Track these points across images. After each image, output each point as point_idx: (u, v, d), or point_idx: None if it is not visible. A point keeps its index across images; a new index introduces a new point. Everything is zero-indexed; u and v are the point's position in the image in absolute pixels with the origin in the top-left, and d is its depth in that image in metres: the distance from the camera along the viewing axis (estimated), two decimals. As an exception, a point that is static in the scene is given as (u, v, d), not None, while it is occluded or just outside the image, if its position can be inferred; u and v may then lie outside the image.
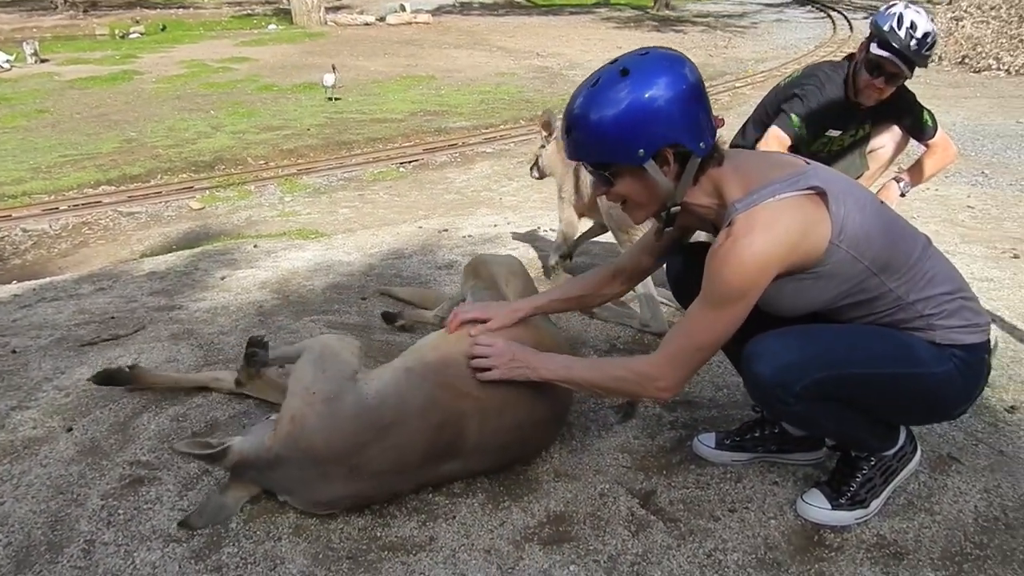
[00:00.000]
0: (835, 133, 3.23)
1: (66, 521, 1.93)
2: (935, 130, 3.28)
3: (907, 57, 2.92)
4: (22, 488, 2.06)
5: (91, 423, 2.37)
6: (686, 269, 1.98)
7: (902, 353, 1.69)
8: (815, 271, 1.63)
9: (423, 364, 1.96)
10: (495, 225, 4.98)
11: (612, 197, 1.75)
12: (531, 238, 4.45)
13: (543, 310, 2.15)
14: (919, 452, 1.95)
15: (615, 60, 1.64)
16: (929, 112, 3.27)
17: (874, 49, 2.96)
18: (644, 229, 2.98)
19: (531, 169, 3.76)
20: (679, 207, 1.71)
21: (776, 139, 3.06)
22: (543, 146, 3.63)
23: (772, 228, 1.58)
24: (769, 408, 1.86)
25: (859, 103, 3.11)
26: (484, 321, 2.05)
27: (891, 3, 3.01)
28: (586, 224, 3.64)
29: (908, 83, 3.18)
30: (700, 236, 2.22)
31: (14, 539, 1.87)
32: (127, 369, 2.55)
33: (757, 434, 2.11)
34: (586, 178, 3.33)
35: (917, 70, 3.01)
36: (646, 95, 1.57)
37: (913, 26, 2.89)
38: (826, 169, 1.70)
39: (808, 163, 1.69)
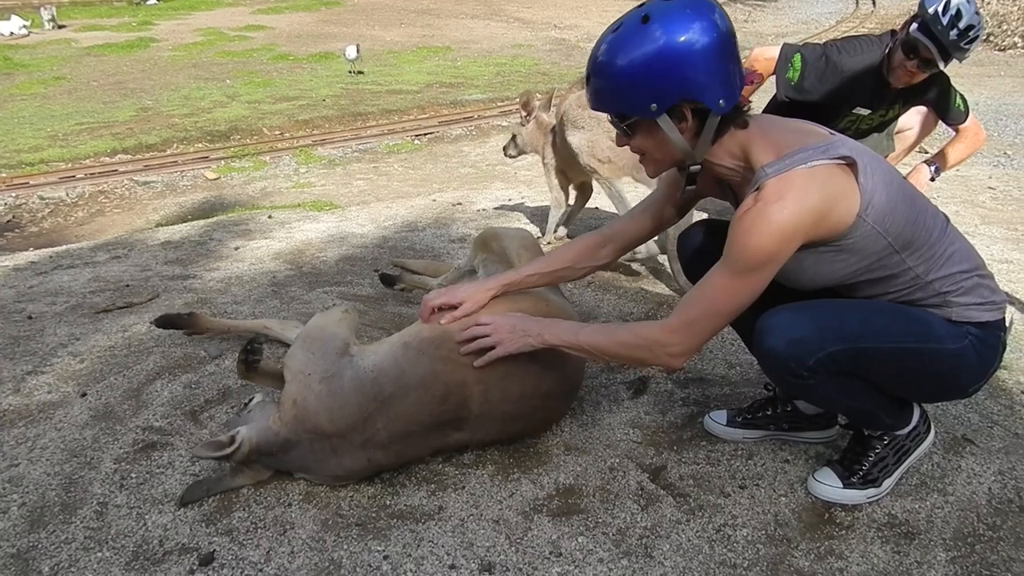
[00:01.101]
0: (863, 111, 3.16)
1: (80, 483, 1.95)
2: (966, 115, 3.20)
3: (943, 46, 2.82)
4: (37, 451, 2.08)
5: (105, 389, 2.38)
6: (703, 247, 1.95)
7: (917, 328, 1.66)
8: (838, 244, 1.59)
9: (420, 339, 1.93)
10: (509, 199, 4.96)
11: (633, 149, 1.69)
12: (545, 213, 4.41)
13: (518, 286, 2.02)
14: (932, 432, 1.93)
15: (641, 4, 1.55)
16: (962, 96, 3.19)
17: (913, 30, 2.88)
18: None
19: (505, 148, 3.90)
20: (699, 166, 1.65)
21: (761, 58, 3.03)
22: (521, 124, 3.80)
23: (804, 196, 1.52)
24: (782, 382, 1.82)
25: (889, 83, 3.04)
26: (455, 307, 1.96)
27: None
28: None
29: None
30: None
31: (28, 500, 1.89)
32: (185, 315, 2.66)
33: (769, 412, 2.10)
34: (561, 138, 3.42)
35: None
36: (662, 46, 1.49)
37: (958, 15, 2.78)
38: (852, 140, 1.65)
39: (833, 134, 1.65)
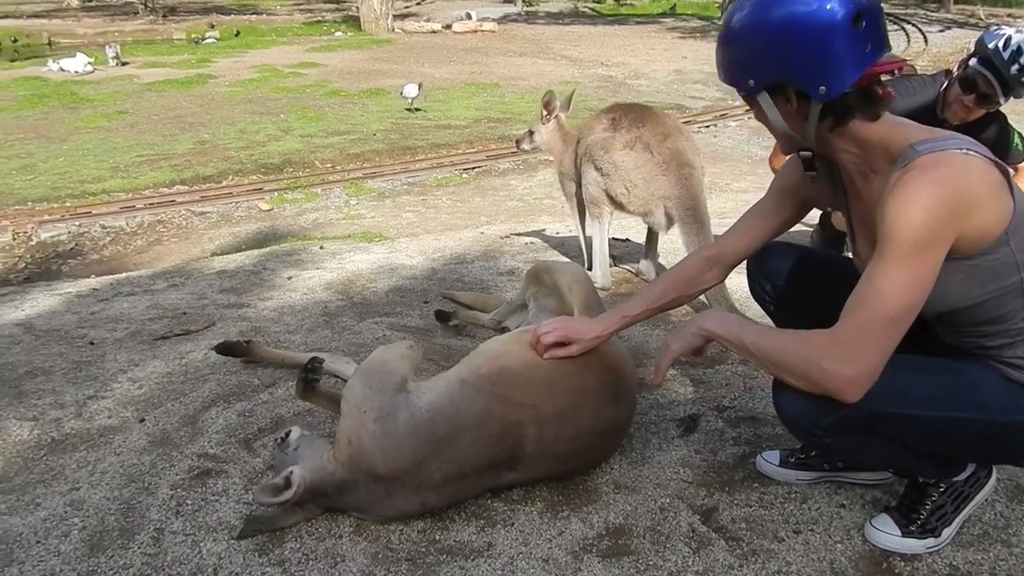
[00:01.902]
0: None
1: (137, 509, 1.99)
2: (1023, 156, 3.15)
3: (1005, 80, 2.80)
4: (97, 475, 2.14)
5: (163, 415, 2.44)
6: (790, 274, 1.88)
7: (963, 394, 1.57)
8: (973, 260, 1.47)
9: (477, 375, 1.92)
10: (557, 233, 4.98)
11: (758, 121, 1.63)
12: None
13: (637, 319, 1.99)
14: (994, 476, 1.85)
15: None
16: (1020, 135, 3.15)
17: (973, 64, 2.87)
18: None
19: (519, 141, 4.03)
20: (809, 152, 1.60)
21: None
22: (542, 122, 3.87)
23: (965, 171, 1.41)
24: (799, 438, 1.78)
25: (945, 119, 3.01)
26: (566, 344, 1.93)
27: (1001, 27, 2.91)
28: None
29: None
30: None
31: (88, 523, 1.94)
32: (244, 343, 2.76)
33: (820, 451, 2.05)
34: (584, 153, 3.49)
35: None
36: (763, 21, 1.46)
37: (1019, 51, 2.77)
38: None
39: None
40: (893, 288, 1.43)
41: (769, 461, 2.09)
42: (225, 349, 2.75)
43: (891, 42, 1.59)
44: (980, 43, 2.89)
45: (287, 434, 2.00)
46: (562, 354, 1.93)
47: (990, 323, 1.56)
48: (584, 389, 1.98)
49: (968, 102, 2.91)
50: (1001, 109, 3.10)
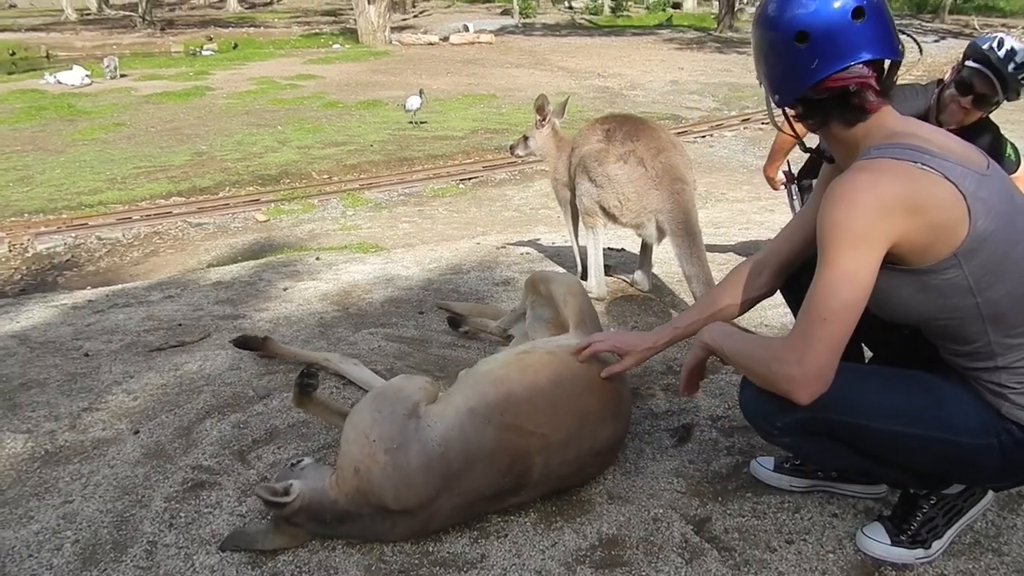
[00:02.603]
0: None
1: (131, 521, 1.99)
2: (1018, 164, 3.16)
3: (1002, 76, 2.81)
4: (90, 487, 2.14)
5: (157, 427, 2.44)
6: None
7: (925, 411, 1.59)
8: (918, 274, 1.49)
9: (486, 404, 1.89)
10: (553, 243, 4.99)
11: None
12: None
13: (687, 334, 1.97)
14: (989, 493, 1.86)
15: None
16: (1013, 146, 3.16)
17: (968, 64, 2.88)
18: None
19: (513, 146, 4.03)
20: (812, 149, 1.73)
21: None
22: (536, 127, 3.87)
23: (903, 177, 1.44)
24: (761, 436, 1.82)
25: (940, 124, 3.01)
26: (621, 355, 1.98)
27: (991, 34, 2.94)
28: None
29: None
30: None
31: (81, 536, 1.94)
32: (261, 339, 2.89)
33: None
34: (572, 172, 3.51)
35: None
36: (761, 18, 1.59)
37: (1013, 51, 2.80)
38: (1011, 190, 1.55)
39: (990, 166, 1.53)
40: (825, 288, 1.47)
41: (764, 466, 2.10)
42: (243, 343, 2.89)
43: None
44: (972, 47, 2.92)
45: (298, 461, 1.95)
46: (618, 369, 1.96)
47: (960, 343, 1.57)
48: (587, 411, 1.98)
49: (965, 103, 2.92)
50: (993, 119, 3.11)
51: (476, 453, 1.84)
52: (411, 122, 12.79)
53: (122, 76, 17.38)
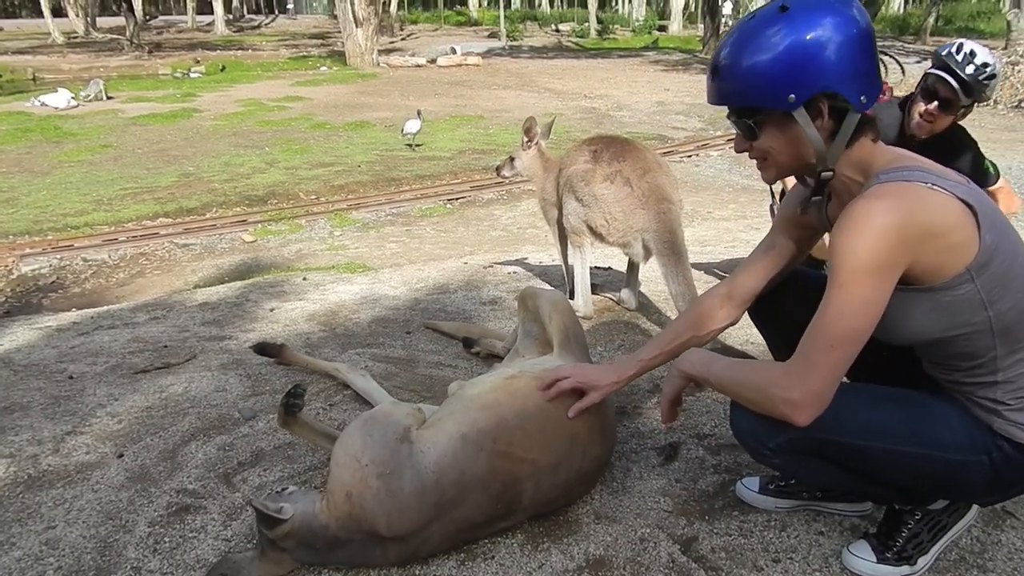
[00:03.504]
0: None
1: (114, 547, 1.97)
2: (997, 176, 3.21)
3: (964, 81, 2.86)
4: (74, 512, 2.11)
5: (141, 450, 2.42)
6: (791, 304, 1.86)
7: (913, 428, 1.59)
8: (935, 293, 1.48)
9: (478, 431, 1.87)
10: (540, 262, 5.01)
11: (755, 153, 1.61)
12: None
13: (653, 363, 1.98)
14: (974, 508, 1.87)
15: None
16: (991, 162, 3.21)
17: (929, 71, 2.94)
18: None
19: (499, 168, 4.07)
20: (832, 172, 1.57)
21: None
22: (523, 148, 3.91)
23: (916, 203, 1.43)
24: (752, 457, 1.80)
25: (912, 136, 3.05)
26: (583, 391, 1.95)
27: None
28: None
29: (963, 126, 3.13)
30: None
31: (64, 563, 1.91)
32: (277, 346, 3.03)
33: None
34: (564, 183, 3.50)
35: (973, 115, 2.96)
36: (806, 35, 1.45)
37: (972, 54, 2.87)
38: (991, 202, 1.56)
39: (970, 182, 1.55)
40: (835, 313, 1.47)
41: (749, 488, 2.10)
42: (261, 349, 3.02)
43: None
44: (935, 55, 2.99)
45: (283, 488, 1.88)
46: (584, 405, 1.92)
47: (965, 359, 1.57)
48: (574, 433, 1.98)
49: (932, 110, 2.97)
50: (975, 136, 3.16)
51: (469, 481, 1.83)
52: (409, 145, 12.64)
53: (108, 98, 17.35)
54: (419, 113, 12.56)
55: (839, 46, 1.45)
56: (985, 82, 2.89)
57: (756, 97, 1.53)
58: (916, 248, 1.44)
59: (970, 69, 2.87)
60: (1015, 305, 1.51)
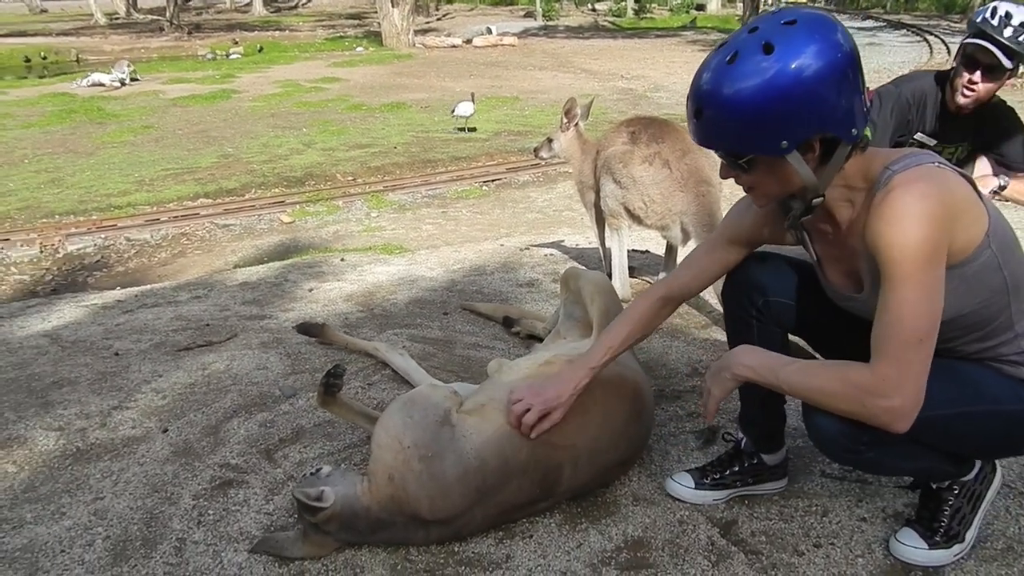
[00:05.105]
0: (928, 140, 3.04)
1: (160, 519, 2.02)
2: None
3: (1003, 44, 2.75)
4: (121, 485, 2.17)
5: (185, 425, 2.47)
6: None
7: (970, 391, 1.59)
8: (960, 268, 1.47)
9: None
10: (576, 244, 4.98)
11: (741, 183, 1.59)
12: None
13: (604, 367, 1.93)
14: (999, 471, 1.85)
15: (753, 27, 1.43)
16: None
17: (967, 41, 2.84)
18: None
19: (537, 149, 4.03)
20: (822, 197, 1.54)
21: None
22: (561, 129, 3.88)
23: (942, 183, 1.43)
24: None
25: (958, 108, 2.93)
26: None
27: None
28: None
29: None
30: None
31: (112, 533, 1.97)
32: (319, 325, 3.08)
33: (737, 468, 2.04)
34: (602, 165, 3.46)
35: (1021, 97, 2.85)
36: (794, 79, 1.37)
37: (1008, 15, 2.75)
38: None
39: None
40: (912, 309, 1.43)
41: (683, 484, 2.05)
42: (304, 329, 3.09)
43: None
44: (970, 23, 2.88)
45: (318, 470, 1.89)
46: (547, 426, 1.85)
47: (986, 325, 1.58)
48: (612, 417, 1.99)
49: (975, 79, 2.85)
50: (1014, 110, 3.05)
51: (512, 468, 1.84)
52: (460, 128, 12.45)
53: (134, 80, 17.51)
54: (472, 96, 12.43)
55: (828, 85, 1.39)
56: None
57: (745, 145, 1.48)
58: (952, 226, 1.44)
59: (1008, 32, 2.75)
60: (1015, 256, 1.54)
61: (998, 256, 1.50)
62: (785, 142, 1.43)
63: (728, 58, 1.42)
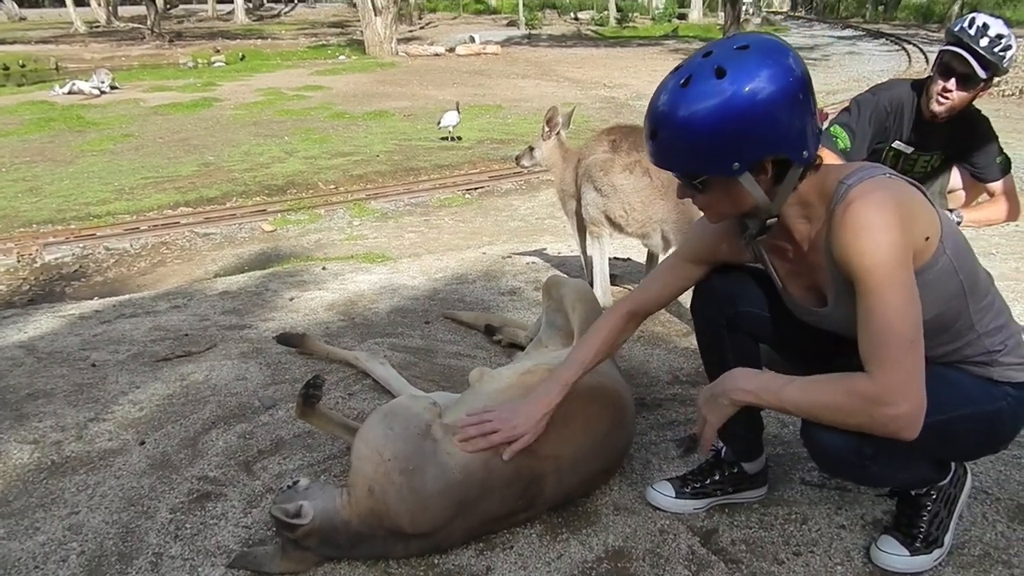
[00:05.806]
0: (904, 148, 3.05)
1: (136, 533, 1.99)
2: (1002, 175, 3.05)
3: (979, 54, 2.78)
4: (96, 498, 2.14)
5: (163, 437, 2.44)
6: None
7: (954, 393, 1.61)
8: (921, 275, 1.48)
9: None
10: (558, 252, 4.99)
11: (697, 203, 1.61)
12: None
13: (576, 383, 1.91)
14: (969, 473, 1.88)
15: (707, 51, 1.45)
16: (1005, 156, 3.09)
17: (943, 48, 2.88)
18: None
19: (519, 157, 4.04)
20: (776, 218, 1.57)
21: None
22: (543, 138, 3.88)
23: (894, 191, 1.46)
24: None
25: (933, 116, 2.94)
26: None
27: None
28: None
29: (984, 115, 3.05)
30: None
31: (87, 548, 1.94)
32: (299, 335, 3.08)
33: (717, 477, 2.04)
34: (583, 173, 3.47)
35: (998, 105, 2.88)
36: (747, 102, 1.39)
37: (985, 26, 2.79)
38: None
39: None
40: (897, 312, 1.44)
41: (664, 493, 2.05)
42: (284, 339, 3.08)
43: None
44: (948, 31, 2.92)
45: (295, 483, 1.85)
46: (518, 448, 1.84)
47: (949, 327, 1.60)
48: (593, 426, 1.99)
49: (950, 86, 2.88)
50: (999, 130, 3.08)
51: (494, 482, 1.83)
52: (445, 138, 12.46)
53: (113, 88, 17.36)
54: (457, 106, 12.41)
55: (780, 109, 1.41)
56: (1001, 54, 2.80)
57: (699, 166, 1.50)
58: (911, 231, 1.47)
59: (984, 42, 2.79)
60: (971, 261, 1.58)
61: (953, 261, 1.53)
62: (737, 164, 1.46)
63: (682, 81, 1.45)
